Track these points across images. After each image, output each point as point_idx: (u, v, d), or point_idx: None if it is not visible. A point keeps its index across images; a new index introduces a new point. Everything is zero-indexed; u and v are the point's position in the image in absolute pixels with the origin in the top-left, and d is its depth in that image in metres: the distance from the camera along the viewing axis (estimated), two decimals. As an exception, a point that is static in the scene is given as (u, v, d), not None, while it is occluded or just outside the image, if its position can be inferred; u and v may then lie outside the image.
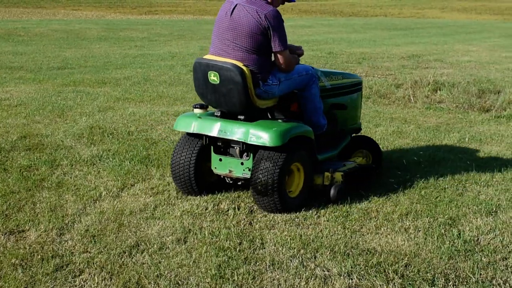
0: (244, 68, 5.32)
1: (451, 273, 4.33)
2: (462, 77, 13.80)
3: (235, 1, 5.46)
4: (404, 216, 5.38)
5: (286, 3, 5.74)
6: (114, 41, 22.05)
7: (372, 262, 4.44)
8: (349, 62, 16.91)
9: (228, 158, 5.66)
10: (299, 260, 4.47)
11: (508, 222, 5.29)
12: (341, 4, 76.71)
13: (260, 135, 5.28)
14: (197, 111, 5.77)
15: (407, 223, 5.21)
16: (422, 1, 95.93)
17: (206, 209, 5.45)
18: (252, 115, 5.54)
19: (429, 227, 5.13)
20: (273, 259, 4.50)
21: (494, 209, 5.60)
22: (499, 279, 4.27)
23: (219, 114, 5.70)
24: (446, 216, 5.37)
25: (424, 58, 18.20)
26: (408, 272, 4.33)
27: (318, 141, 5.79)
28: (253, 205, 5.54)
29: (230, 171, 5.67)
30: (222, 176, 5.81)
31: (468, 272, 4.35)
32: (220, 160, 5.69)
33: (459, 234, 5.00)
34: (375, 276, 4.25)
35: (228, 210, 5.43)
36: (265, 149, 5.35)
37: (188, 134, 5.78)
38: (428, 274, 4.30)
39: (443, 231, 5.06)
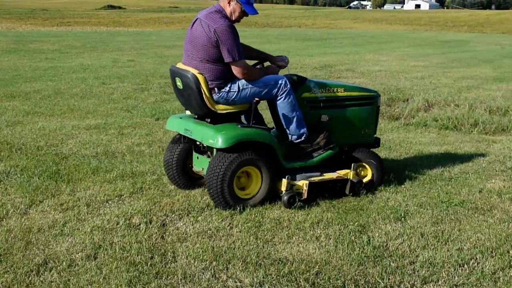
0: (198, 76, 5.75)
1: (360, 279, 4.40)
2: (373, 86, 14.12)
3: (198, 16, 5.93)
4: (315, 224, 5.44)
5: (249, 15, 5.94)
6: (24, 54, 21.52)
7: (283, 271, 4.47)
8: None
9: (203, 157, 6.19)
10: (211, 272, 4.46)
11: (416, 227, 5.42)
12: (256, 16, 77.28)
13: (212, 137, 5.67)
14: (187, 112, 6.29)
15: (319, 231, 5.28)
16: (335, 12, 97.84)
17: (117, 224, 5.36)
18: (217, 118, 5.90)
19: (339, 235, 5.20)
20: (185, 272, 4.46)
21: (402, 214, 5.74)
22: (407, 283, 4.37)
23: (196, 116, 6.14)
24: (356, 223, 5.46)
25: (336, 68, 18.56)
26: (319, 280, 4.38)
27: (291, 149, 6.11)
28: (165, 218, 5.50)
29: (202, 169, 6.16)
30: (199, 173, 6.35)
31: (377, 277, 4.43)
32: (197, 158, 6.27)
33: (369, 240, 5.09)
34: (287, 286, 4.28)
35: (139, 224, 5.36)
36: (219, 150, 5.71)
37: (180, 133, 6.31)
38: (339, 281, 4.36)
39: (353, 238, 5.15)
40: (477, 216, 5.78)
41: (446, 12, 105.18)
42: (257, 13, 6.04)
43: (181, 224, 5.43)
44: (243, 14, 5.89)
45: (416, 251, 4.92)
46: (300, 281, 4.34)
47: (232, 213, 5.64)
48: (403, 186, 6.64)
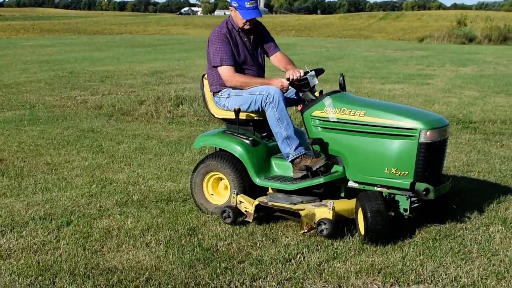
0: (204, 80, 6.17)
1: (191, 282, 4.42)
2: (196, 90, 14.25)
3: None
4: (145, 231, 5.40)
5: (256, 18, 5.91)
6: None
7: (112, 280, 4.39)
8: (91, 81, 16.70)
9: None
10: (37, 288, 4.30)
11: (245, 227, 5.52)
12: (85, 23, 75.59)
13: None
14: None
15: (149, 238, 5.24)
16: (167, 18, 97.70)
17: None
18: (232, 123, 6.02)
19: (170, 240, 5.20)
20: (9, 290, 4.28)
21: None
22: (236, 282, 4.45)
23: None
24: (186, 227, 5.49)
25: (167, 74, 18.55)
26: (149, 286, 4.35)
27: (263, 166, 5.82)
28: (-14, 236, 5.24)
29: None
30: None
31: (207, 279, 4.47)
32: None
33: (199, 243, 5.13)
34: (116, 295, 4.22)
35: (-43, 244, 5.06)
36: None
37: None
38: (169, 286, 4.35)
39: (183, 242, 5.16)
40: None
41: (274, 17, 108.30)
42: (255, 16, 5.82)
43: (4, 240, 5.19)
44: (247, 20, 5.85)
45: (245, 250, 5.01)
46: (129, 289, 4.29)
47: (59, 226, 5.48)
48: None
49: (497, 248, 5.01)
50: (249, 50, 5.96)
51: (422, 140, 5.08)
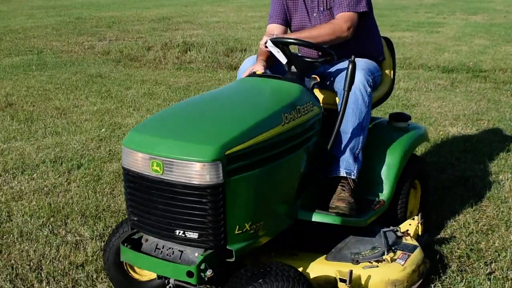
0: None
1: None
2: (211, 37, 14.15)
3: None
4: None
5: None
6: None
7: (124, 222, 4.43)
8: (98, 27, 16.57)
9: None
10: (49, 229, 4.34)
11: None
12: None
13: None
14: None
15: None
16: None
17: None
18: None
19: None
20: (21, 230, 4.32)
21: None
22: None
23: None
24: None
25: (174, 20, 18.37)
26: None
27: None
28: (-3, 178, 5.29)
29: None
30: None
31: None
32: None
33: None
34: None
35: (-31, 185, 5.11)
36: None
37: None
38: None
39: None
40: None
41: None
42: None
43: (16, 182, 5.23)
44: None
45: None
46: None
47: (69, 169, 5.51)
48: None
49: (506, 196, 5.01)
50: (307, 7, 4.14)
51: None
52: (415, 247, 3.54)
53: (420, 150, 5.99)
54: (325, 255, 3.45)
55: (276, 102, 3.30)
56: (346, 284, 3.14)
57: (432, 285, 3.63)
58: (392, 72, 4.42)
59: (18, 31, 15.67)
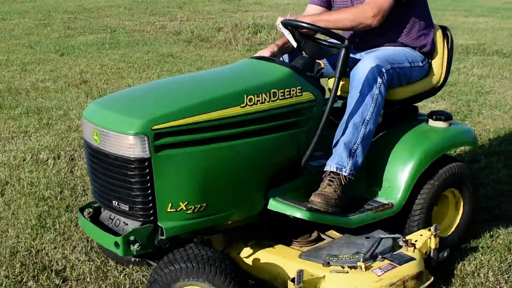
0: None
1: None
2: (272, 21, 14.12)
3: None
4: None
5: None
6: None
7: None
8: (170, 7, 16.75)
9: None
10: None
11: None
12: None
13: None
14: None
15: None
16: None
17: (24, 160, 5.24)
18: None
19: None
20: (96, 205, 4.42)
21: None
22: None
23: None
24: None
25: (244, 2, 18.41)
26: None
27: None
28: (73, 153, 5.41)
29: None
30: None
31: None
32: None
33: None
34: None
35: (47, 160, 5.25)
36: None
37: None
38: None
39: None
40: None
41: None
42: None
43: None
44: None
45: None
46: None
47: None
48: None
49: None
50: None
51: None
52: (409, 260, 3.18)
53: (489, 142, 5.86)
54: (300, 252, 3.27)
55: (240, 83, 3.14)
56: (294, 284, 2.88)
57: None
58: (444, 64, 3.92)
59: (92, 10, 15.97)
